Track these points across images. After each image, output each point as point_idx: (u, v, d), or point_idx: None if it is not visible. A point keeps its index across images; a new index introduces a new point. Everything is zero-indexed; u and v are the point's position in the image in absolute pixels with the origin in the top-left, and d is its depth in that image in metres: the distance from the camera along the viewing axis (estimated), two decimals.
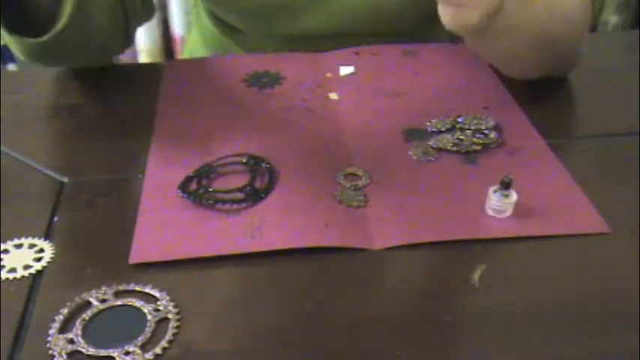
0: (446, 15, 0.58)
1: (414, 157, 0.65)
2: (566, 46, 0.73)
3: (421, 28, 0.87)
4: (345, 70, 0.79)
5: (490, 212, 0.58)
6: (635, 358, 0.47)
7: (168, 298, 0.51)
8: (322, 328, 0.49)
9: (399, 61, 0.81)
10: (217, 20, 0.92)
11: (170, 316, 0.49)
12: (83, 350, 0.47)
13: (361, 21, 0.85)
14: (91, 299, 0.51)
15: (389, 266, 0.54)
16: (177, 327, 0.48)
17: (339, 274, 0.53)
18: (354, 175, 0.63)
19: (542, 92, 0.74)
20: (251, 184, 0.61)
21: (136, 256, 0.54)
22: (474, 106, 0.72)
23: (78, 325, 0.49)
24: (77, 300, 0.50)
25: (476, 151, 0.65)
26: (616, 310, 0.50)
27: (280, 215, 0.58)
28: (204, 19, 0.95)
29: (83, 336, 0.48)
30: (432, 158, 0.64)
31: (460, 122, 0.68)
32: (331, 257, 0.54)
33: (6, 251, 0.55)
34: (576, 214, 0.58)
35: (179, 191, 0.60)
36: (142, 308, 0.50)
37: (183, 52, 1.06)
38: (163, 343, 0.47)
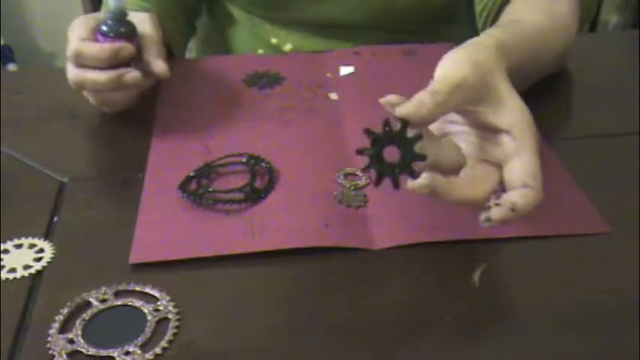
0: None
1: None
2: (554, 67, 0.74)
3: (435, 26, 0.87)
4: (345, 70, 0.79)
5: None
6: (635, 358, 0.47)
7: (168, 298, 0.51)
8: (322, 328, 0.49)
9: (399, 61, 0.81)
10: (235, 7, 0.92)
11: (170, 316, 0.49)
12: (83, 350, 0.47)
13: (376, 14, 0.85)
14: (91, 299, 0.50)
15: (389, 266, 0.54)
16: (177, 327, 0.48)
17: (339, 274, 0.53)
18: (354, 175, 0.63)
19: (542, 92, 0.74)
20: (251, 184, 0.61)
21: (136, 256, 0.54)
22: None
23: (78, 325, 0.49)
24: (77, 300, 0.50)
25: None
26: (616, 310, 0.50)
27: (280, 215, 0.58)
28: (221, 4, 0.95)
29: (83, 336, 0.48)
30: None
31: None
32: (331, 257, 0.54)
33: (6, 251, 0.55)
34: (576, 214, 0.58)
35: (179, 191, 0.60)
36: (142, 308, 0.50)
37: (195, 38, 1.06)
38: (163, 343, 0.47)
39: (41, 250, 0.55)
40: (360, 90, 0.75)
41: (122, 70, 0.64)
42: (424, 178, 0.48)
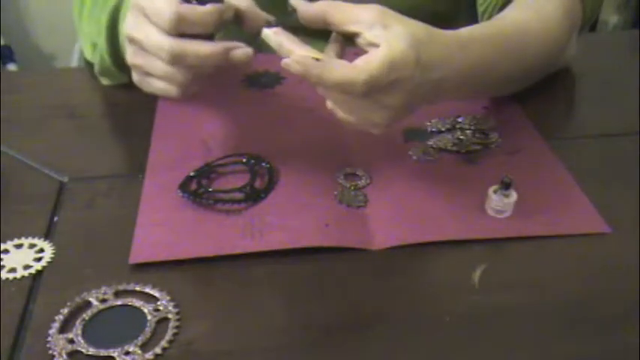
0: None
1: (414, 157, 0.65)
2: (543, 67, 0.73)
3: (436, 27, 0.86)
4: None
5: (490, 212, 0.58)
6: (635, 358, 0.47)
7: (168, 298, 0.51)
8: (322, 328, 0.49)
9: None
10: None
11: (170, 316, 0.49)
12: (83, 350, 0.47)
13: None
14: (91, 299, 0.50)
15: (389, 266, 0.54)
16: (177, 327, 0.48)
17: (339, 274, 0.53)
18: (354, 175, 0.63)
19: (542, 92, 0.74)
20: (251, 184, 0.60)
21: (136, 256, 0.54)
22: (474, 106, 0.72)
23: (78, 325, 0.49)
24: (77, 300, 0.50)
25: (476, 151, 0.65)
26: (616, 310, 0.50)
27: (280, 215, 0.58)
28: None
29: (83, 336, 0.48)
30: (432, 158, 0.64)
31: (460, 122, 0.68)
32: (331, 257, 0.54)
33: (6, 251, 0.55)
34: (576, 214, 0.58)
35: (179, 191, 0.60)
36: (142, 308, 0.50)
37: None
38: (163, 343, 0.47)
39: (41, 250, 0.55)
40: None
41: (230, 44, 0.56)
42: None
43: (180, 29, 0.55)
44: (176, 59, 0.55)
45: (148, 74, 0.59)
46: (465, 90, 0.60)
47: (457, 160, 0.64)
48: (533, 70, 0.70)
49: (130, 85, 0.77)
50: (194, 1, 0.55)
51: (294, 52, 0.53)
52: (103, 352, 0.47)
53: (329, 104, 0.57)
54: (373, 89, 0.52)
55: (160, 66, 0.57)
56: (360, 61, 0.52)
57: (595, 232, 0.57)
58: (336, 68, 0.52)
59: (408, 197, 0.60)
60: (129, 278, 0.52)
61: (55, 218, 0.58)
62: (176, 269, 0.53)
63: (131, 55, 0.59)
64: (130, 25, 0.58)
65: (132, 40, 0.58)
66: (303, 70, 0.52)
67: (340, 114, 0.57)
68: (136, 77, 0.60)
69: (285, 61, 0.53)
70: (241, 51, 0.56)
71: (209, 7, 0.55)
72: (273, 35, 0.55)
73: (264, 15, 0.59)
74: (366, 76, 0.51)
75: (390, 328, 0.49)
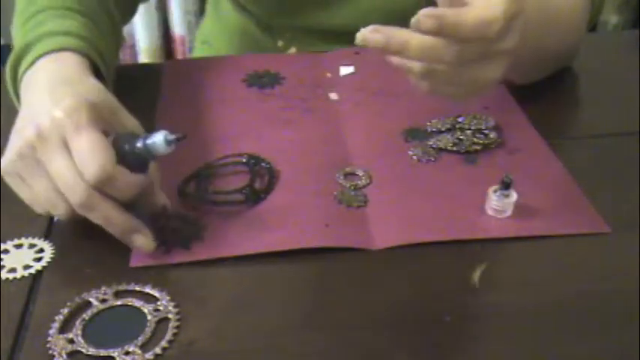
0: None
1: (414, 157, 0.65)
2: (565, 52, 0.74)
3: None
4: (345, 70, 0.79)
5: (490, 212, 0.58)
6: (635, 358, 0.47)
7: (168, 298, 0.51)
8: (322, 328, 0.49)
9: None
10: (242, 10, 0.92)
11: (170, 316, 0.49)
12: (83, 350, 0.47)
13: (391, 21, 0.84)
14: (91, 299, 0.50)
15: (389, 266, 0.54)
16: (177, 327, 0.48)
17: (339, 274, 0.53)
18: (354, 175, 0.63)
19: (542, 92, 0.74)
20: (251, 184, 0.60)
21: (136, 260, 0.54)
22: (474, 106, 0.72)
23: (78, 325, 0.49)
24: (77, 300, 0.50)
25: (476, 151, 0.65)
26: (616, 310, 0.50)
27: (280, 215, 0.58)
28: (226, 6, 0.94)
29: (83, 336, 0.48)
30: (432, 158, 0.64)
31: (460, 122, 0.68)
32: (331, 257, 0.54)
33: (6, 251, 0.55)
34: (576, 214, 0.58)
35: (179, 192, 0.60)
36: (142, 308, 0.50)
37: (196, 40, 1.06)
38: (163, 343, 0.47)
39: (41, 250, 0.55)
40: (360, 90, 0.75)
41: (138, 226, 0.52)
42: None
43: (100, 187, 0.49)
44: (83, 211, 0.50)
45: (24, 180, 0.52)
46: (527, 49, 0.58)
47: (457, 160, 0.64)
48: (552, 48, 0.71)
49: (129, 86, 0.77)
50: (133, 164, 0.51)
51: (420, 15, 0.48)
52: (103, 352, 0.47)
53: (423, 85, 0.53)
54: (506, 26, 0.49)
55: (49, 190, 0.51)
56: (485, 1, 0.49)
57: (595, 232, 0.57)
58: (470, 10, 0.49)
59: (408, 197, 0.60)
60: (129, 278, 0.52)
61: (55, 218, 0.58)
62: (176, 269, 0.53)
63: (18, 156, 0.51)
64: (36, 140, 0.50)
65: (27, 154, 0.50)
66: (438, 22, 0.48)
67: (438, 88, 0.53)
68: (7, 177, 0.53)
69: (417, 19, 0.48)
70: (145, 239, 0.52)
71: (138, 177, 0.50)
72: (372, 34, 0.52)
73: (164, 198, 0.55)
74: (502, 10, 0.48)
75: (390, 327, 0.49)
